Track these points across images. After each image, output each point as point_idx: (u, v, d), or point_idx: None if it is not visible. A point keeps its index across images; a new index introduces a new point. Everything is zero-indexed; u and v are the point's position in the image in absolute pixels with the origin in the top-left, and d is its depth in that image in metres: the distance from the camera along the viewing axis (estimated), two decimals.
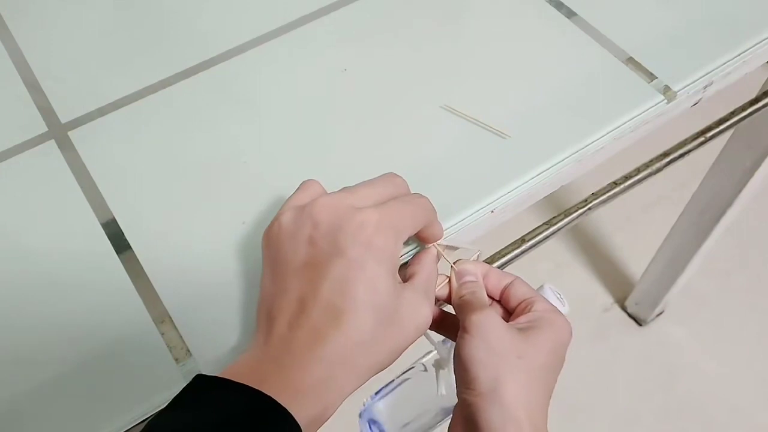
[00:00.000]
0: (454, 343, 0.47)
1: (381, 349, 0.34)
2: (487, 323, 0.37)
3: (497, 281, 0.42)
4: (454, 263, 0.42)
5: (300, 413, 0.31)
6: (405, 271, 0.39)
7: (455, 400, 0.47)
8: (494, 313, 0.38)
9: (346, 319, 0.33)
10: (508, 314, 0.41)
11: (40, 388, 0.38)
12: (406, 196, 0.39)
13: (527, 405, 0.36)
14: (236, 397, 0.31)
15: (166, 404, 0.31)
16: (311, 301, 0.34)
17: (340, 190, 0.37)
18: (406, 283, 0.37)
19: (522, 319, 0.39)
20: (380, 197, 0.37)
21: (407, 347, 0.36)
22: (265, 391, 0.31)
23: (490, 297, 0.42)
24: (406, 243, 0.42)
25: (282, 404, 0.31)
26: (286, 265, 0.36)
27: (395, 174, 0.39)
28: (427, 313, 0.37)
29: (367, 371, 0.34)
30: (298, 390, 0.32)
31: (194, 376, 0.32)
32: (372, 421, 0.49)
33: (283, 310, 0.34)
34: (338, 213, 0.35)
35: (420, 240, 0.40)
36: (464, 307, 0.39)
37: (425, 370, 0.48)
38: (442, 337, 0.45)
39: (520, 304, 0.40)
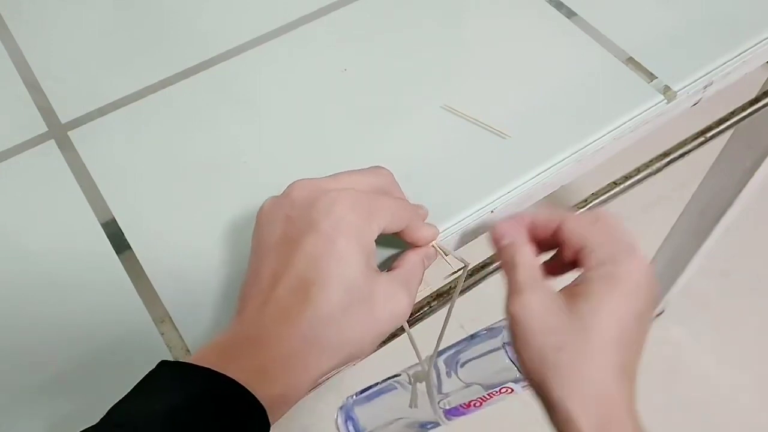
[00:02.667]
0: (436, 359, 0.46)
1: (351, 329, 0.34)
2: (523, 315, 0.34)
3: (545, 227, 0.38)
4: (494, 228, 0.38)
5: (264, 390, 0.31)
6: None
7: (429, 416, 0.47)
8: (533, 298, 0.35)
9: (314, 293, 0.33)
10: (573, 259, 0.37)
11: (40, 388, 0.38)
12: (390, 194, 0.39)
13: (580, 397, 0.33)
14: (195, 379, 0.31)
15: (128, 391, 0.31)
16: (283, 277, 0.34)
17: (324, 176, 0.38)
18: (385, 272, 0.37)
19: (577, 280, 0.35)
20: (362, 184, 0.37)
21: (383, 335, 0.36)
22: (228, 371, 0.31)
23: (546, 243, 0.38)
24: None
25: (243, 383, 0.30)
26: (264, 244, 0.36)
27: (381, 166, 0.40)
28: (404, 302, 0.36)
29: (337, 351, 0.34)
30: (263, 366, 0.32)
31: (158, 362, 0.32)
32: (349, 417, 0.49)
33: (258, 288, 0.35)
34: (314, 192, 0.36)
35: (409, 243, 0.40)
36: (506, 281, 0.36)
37: (410, 381, 0.48)
38: (427, 350, 0.45)
39: (577, 253, 0.36)
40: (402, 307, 0.36)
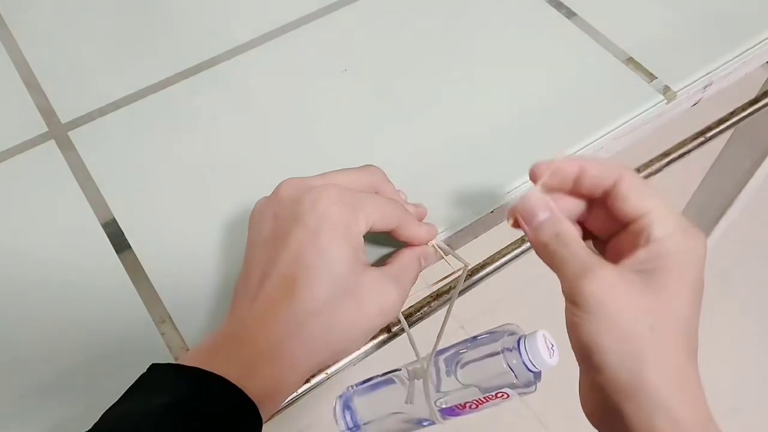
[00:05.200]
0: (437, 358, 0.46)
1: (338, 322, 0.34)
2: (600, 293, 0.30)
3: (596, 184, 0.33)
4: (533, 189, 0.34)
5: (254, 385, 0.31)
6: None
7: (423, 413, 0.47)
8: (607, 274, 0.30)
9: (298, 287, 0.33)
10: (611, 220, 0.33)
11: (40, 389, 0.38)
12: (380, 192, 0.39)
13: (678, 383, 0.30)
14: (185, 379, 0.31)
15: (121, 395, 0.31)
16: (271, 273, 0.34)
17: (313, 175, 0.38)
18: (376, 267, 0.37)
19: (641, 255, 0.31)
20: (350, 182, 0.37)
21: (371, 329, 0.35)
22: (217, 369, 0.31)
23: (582, 194, 0.34)
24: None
25: (232, 380, 0.31)
26: (254, 242, 0.37)
27: (372, 165, 0.40)
28: (392, 297, 0.36)
29: (325, 345, 0.34)
30: (251, 362, 0.32)
31: (149, 365, 0.32)
32: (347, 407, 0.50)
33: (247, 287, 0.35)
34: (301, 189, 0.36)
35: (404, 242, 0.40)
36: (557, 263, 0.32)
37: (408, 377, 0.48)
38: (426, 350, 0.45)
39: (634, 222, 0.32)
40: (390, 303, 0.35)
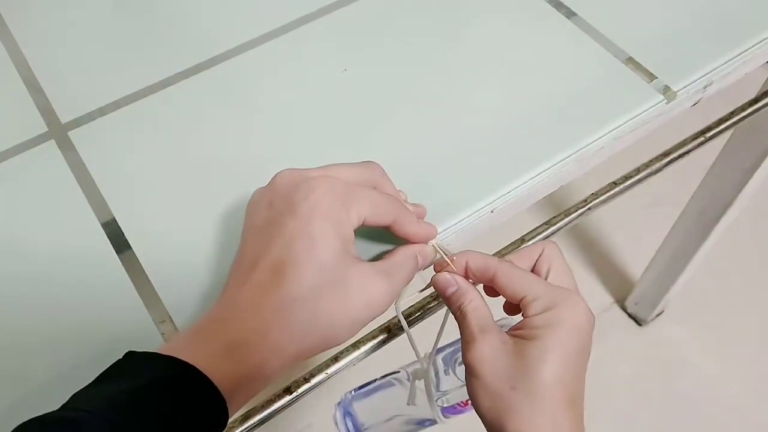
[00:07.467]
0: (435, 357, 0.46)
1: (323, 311, 0.34)
2: (477, 360, 0.36)
3: (480, 276, 0.39)
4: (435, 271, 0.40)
5: (233, 367, 0.32)
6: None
7: (427, 413, 0.47)
8: (484, 346, 0.36)
9: (286, 273, 0.34)
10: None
11: (40, 389, 0.38)
12: (377, 188, 0.39)
13: (534, 429, 0.34)
14: (154, 365, 0.31)
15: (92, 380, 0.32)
16: (262, 258, 0.35)
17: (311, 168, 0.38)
18: (369, 261, 0.37)
19: (520, 324, 0.37)
20: (347, 175, 0.38)
21: (358, 321, 0.35)
22: (196, 353, 0.31)
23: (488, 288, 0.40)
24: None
25: (208, 364, 0.31)
26: (248, 229, 0.37)
27: (371, 161, 0.40)
28: (381, 291, 0.36)
29: (310, 333, 0.34)
30: (232, 344, 0.33)
31: (125, 353, 0.33)
32: (348, 413, 0.49)
33: (238, 272, 0.36)
34: (297, 179, 0.36)
35: (402, 240, 0.40)
36: (460, 330, 0.38)
37: (408, 378, 0.48)
38: (426, 349, 0.45)
39: (518, 301, 0.37)
40: (379, 296, 0.36)
